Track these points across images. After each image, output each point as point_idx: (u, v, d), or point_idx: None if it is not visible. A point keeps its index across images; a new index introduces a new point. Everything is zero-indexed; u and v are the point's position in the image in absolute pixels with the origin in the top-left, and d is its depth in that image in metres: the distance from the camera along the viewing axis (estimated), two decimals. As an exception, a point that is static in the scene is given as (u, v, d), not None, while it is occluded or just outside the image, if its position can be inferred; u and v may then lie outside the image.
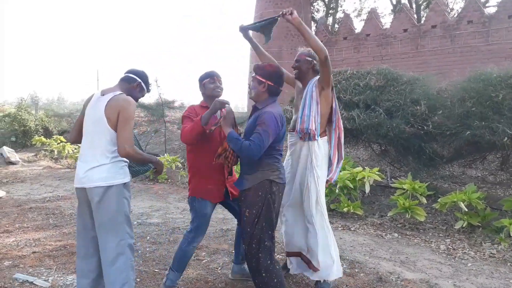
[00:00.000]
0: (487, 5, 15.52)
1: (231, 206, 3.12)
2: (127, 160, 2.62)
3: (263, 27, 3.29)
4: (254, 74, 2.73)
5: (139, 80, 2.71)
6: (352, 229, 4.96)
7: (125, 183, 2.53)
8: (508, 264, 3.78)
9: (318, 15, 21.10)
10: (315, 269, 3.04)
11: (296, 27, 2.98)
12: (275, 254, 2.80)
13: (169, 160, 9.04)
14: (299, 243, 3.18)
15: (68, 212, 5.79)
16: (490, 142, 5.05)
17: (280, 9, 16.27)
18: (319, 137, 3.07)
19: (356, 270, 3.58)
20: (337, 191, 5.51)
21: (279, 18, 3.16)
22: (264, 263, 2.61)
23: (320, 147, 3.08)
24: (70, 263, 3.66)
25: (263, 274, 2.61)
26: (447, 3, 14.09)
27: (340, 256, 3.89)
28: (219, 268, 3.62)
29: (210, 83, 3.02)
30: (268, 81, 2.68)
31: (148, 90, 2.82)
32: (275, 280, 2.63)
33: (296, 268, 3.26)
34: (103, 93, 2.58)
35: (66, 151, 12.61)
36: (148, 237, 4.54)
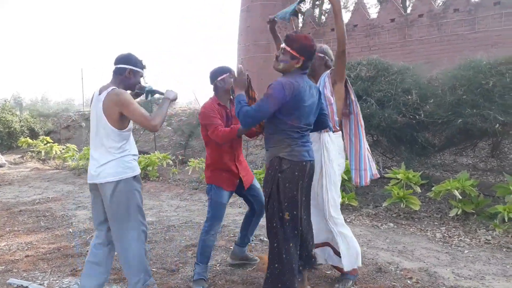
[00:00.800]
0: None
1: (245, 196, 3.34)
2: (136, 154, 2.72)
3: (292, 13, 3.20)
4: (285, 46, 2.53)
5: (128, 66, 2.67)
6: (348, 220, 4.96)
7: (134, 176, 2.64)
8: (504, 249, 3.82)
9: (305, 7, 21.04)
10: (337, 252, 3.01)
11: (334, 10, 2.91)
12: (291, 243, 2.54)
13: (160, 157, 8.95)
14: (322, 235, 3.09)
15: (59, 213, 5.69)
16: (482, 129, 5.09)
17: (266, 2, 16.19)
18: (334, 132, 2.99)
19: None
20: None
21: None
22: (272, 246, 2.55)
23: (333, 142, 2.99)
24: (65, 265, 3.59)
25: (270, 256, 2.55)
26: (433, -8, 14.11)
27: (338, 248, 3.90)
28: (218, 265, 3.58)
29: (230, 77, 3.07)
30: (302, 56, 2.51)
31: (143, 68, 2.78)
32: (279, 266, 2.51)
33: (325, 260, 3.18)
34: (100, 92, 2.62)
35: (54, 152, 12.43)
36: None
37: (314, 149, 2.82)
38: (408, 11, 13.20)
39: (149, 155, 8.95)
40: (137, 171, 2.67)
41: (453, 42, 11.18)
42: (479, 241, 4.06)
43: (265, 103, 2.43)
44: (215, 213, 3.11)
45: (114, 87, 2.58)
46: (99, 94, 2.61)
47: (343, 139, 3.17)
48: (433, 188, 4.99)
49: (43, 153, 12.62)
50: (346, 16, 17.50)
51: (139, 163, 8.61)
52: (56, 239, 4.44)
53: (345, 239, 2.95)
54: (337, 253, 3.03)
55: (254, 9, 16.15)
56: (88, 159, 10.16)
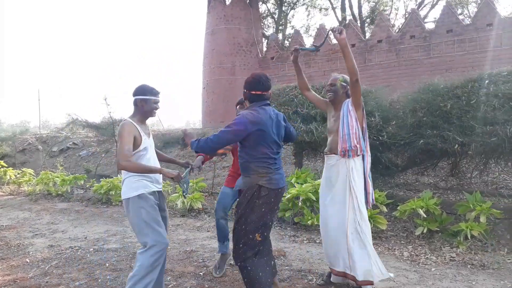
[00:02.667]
0: (425, 20, 16.57)
1: None
2: (144, 174, 2.98)
3: (317, 49, 3.58)
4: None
5: (139, 97, 3.03)
6: (317, 241, 4.95)
7: (139, 195, 2.92)
8: (468, 266, 3.92)
9: (268, 32, 21.51)
10: (367, 283, 3.18)
11: (341, 46, 3.11)
12: (264, 258, 2.93)
13: (124, 181, 8.67)
14: (342, 262, 3.29)
15: (14, 242, 5.34)
16: (442, 150, 5.29)
17: (230, 25, 16.44)
18: (356, 156, 3.23)
19: (325, 283, 3.55)
20: (300, 204, 5.51)
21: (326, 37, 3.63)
22: (238, 262, 2.82)
23: (357, 165, 3.24)
24: (22, 299, 3.35)
25: (241, 271, 2.85)
26: (389, 18, 14.85)
27: (309, 270, 3.89)
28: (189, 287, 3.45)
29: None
30: (245, 89, 2.93)
31: (156, 95, 3.08)
32: (246, 280, 2.81)
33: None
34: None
35: (8, 177, 11.77)
36: (107, 264, 4.27)
37: (340, 172, 3.24)
38: (367, 36, 13.78)
39: (111, 179, 8.65)
40: (141, 190, 2.93)
41: (410, 66, 11.75)
42: (445, 258, 4.16)
43: (226, 134, 2.73)
44: (219, 199, 3.91)
45: (126, 119, 3.01)
46: None
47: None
48: (398, 208, 5.10)
49: (-4, 178, 11.92)
50: (308, 41, 18.05)
51: (101, 187, 8.32)
52: (11, 270, 4.14)
53: (365, 251, 3.17)
54: (351, 279, 3.26)
55: (219, 32, 16.33)
56: (46, 183, 9.71)
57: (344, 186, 3.24)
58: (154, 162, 3.10)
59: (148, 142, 3.05)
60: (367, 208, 3.33)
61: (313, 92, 3.77)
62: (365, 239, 3.20)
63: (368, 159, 3.33)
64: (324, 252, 3.54)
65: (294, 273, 3.84)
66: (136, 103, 3.05)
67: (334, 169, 3.32)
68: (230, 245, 3.51)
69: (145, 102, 3.03)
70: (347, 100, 3.31)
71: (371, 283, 3.17)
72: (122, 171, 2.95)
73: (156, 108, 3.11)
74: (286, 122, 3.08)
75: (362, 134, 3.29)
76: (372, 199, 3.35)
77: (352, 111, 3.22)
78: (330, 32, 3.27)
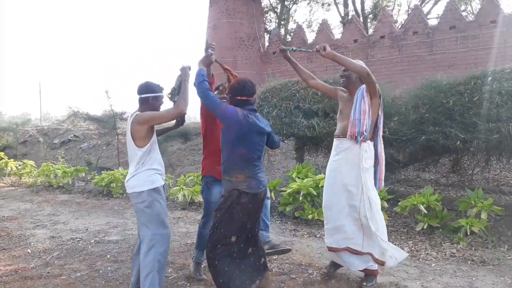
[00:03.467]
0: (428, 16, 16.49)
1: None
2: (157, 168, 3.07)
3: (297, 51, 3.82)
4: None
5: (150, 95, 3.08)
6: (318, 235, 4.97)
7: (154, 188, 2.99)
8: (469, 262, 3.93)
9: (270, 26, 21.44)
10: (381, 263, 3.26)
11: (333, 60, 3.19)
12: (237, 260, 2.90)
13: (124, 174, 8.68)
14: (347, 240, 3.36)
15: (16, 233, 5.36)
16: (444, 146, 5.28)
17: (232, 20, 16.39)
18: (369, 140, 3.28)
19: (327, 277, 3.56)
20: (300, 198, 5.52)
21: (311, 51, 3.56)
22: (212, 265, 2.80)
23: (368, 151, 3.28)
24: (24, 289, 3.36)
25: (213, 273, 2.82)
26: (392, 14, 14.79)
27: (309, 264, 3.90)
28: (188, 285, 3.46)
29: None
30: (229, 94, 3.01)
31: (162, 91, 3.15)
32: (221, 281, 2.78)
33: (346, 263, 3.45)
34: (131, 116, 3.09)
35: (9, 168, 11.78)
36: (108, 256, 4.29)
37: (351, 156, 3.27)
38: (370, 32, 13.73)
39: (112, 172, 8.66)
40: (157, 183, 3.01)
41: (413, 63, 11.72)
42: (445, 254, 4.17)
43: (221, 105, 2.83)
44: (208, 211, 3.45)
45: (138, 112, 3.04)
46: (130, 117, 3.08)
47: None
48: (399, 203, 5.11)
49: (-3, 170, 11.94)
50: (310, 37, 17.98)
51: (102, 179, 8.34)
52: (13, 260, 4.16)
53: (382, 239, 3.23)
54: (356, 253, 3.33)
55: (221, 27, 16.28)
56: (47, 175, 9.73)
57: (356, 170, 3.27)
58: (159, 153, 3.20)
59: (155, 136, 3.16)
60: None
61: (319, 81, 3.77)
62: (379, 222, 3.28)
63: (382, 145, 3.40)
64: (327, 232, 3.53)
65: (295, 267, 3.85)
66: (148, 100, 3.07)
67: (345, 153, 3.35)
68: None
69: (156, 99, 3.10)
70: (362, 86, 3.30)
71: (383, 263, 3.27)
72: (136, 166, 3.01)
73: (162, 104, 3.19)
74: (272, 132, 3.08)
75: (377, 121, 3.33)
76: (381, 185, 3.44)
77: (367, 97, 3.24)
78: (315, 51, 3.27)
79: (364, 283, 3.30)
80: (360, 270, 3.38)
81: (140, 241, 3.11)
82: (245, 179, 2.82)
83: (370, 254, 3.29)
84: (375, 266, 3.32)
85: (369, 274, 3.33)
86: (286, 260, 4.07)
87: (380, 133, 3.38)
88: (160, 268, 2.97)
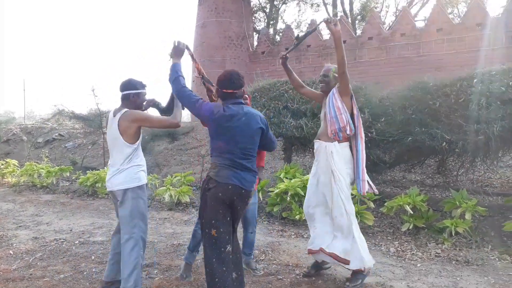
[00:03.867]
0: (416, 18, 16.66)
1: None
2: (142, 164, 3.13)
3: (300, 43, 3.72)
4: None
5: (131, 91, 3.11)
6: (305, 236, 4.97)
7: (139, 186, 3.04)
8: (453, 262, 3.97)
9: (259, 26, 21.43)
10: (345, 262, 3.27)
11: (335, 38, 3.22)
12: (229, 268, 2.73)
13: (111, 173, 8.57)
14: (325, 242, 3.39)
15: (-3, 234, 5.24)
16: (430, 147, 5.32)
17: (221, 19, 16.33)
18: (338, 142, 3.34)
19: (314, 278, 3.56)
20: (288, 199, 5.51)
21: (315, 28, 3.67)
22: (205, 255, 2.73)
23: (339, 152, 3.33)
24: (4, 291, 3.28)
25: (205, 266, 2.73)
26: (380, 16, 14.90)
27: (296, 264, 3.89)
28: (174, 286, 3.42)
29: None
30: (217, 85, 2.91)
31: (144, 88, 3.19)
32: (211, 273, 2.67)
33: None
34: (114, 114, 3.08)
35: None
36: (93, 257, 4.21)
37: (323, 158, 3.35)
38: (359, 33, 13.81)
39: (97, 171, 8.54)
40: (143, 181, 3.08)
41: (400, 64, 11.82)
42: (430, 254, 4.21)
43: (197, 103, 2.80)
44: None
45: (127, 109, 3.05)
46: (114, 116, 3.06)
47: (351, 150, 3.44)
48: (385, 204, 5.14)
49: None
50: (299, 36, 17.98)
51: (87, 179, 8.22)
52: (-7, 262, 4.07)
53: (353, 239, 3.26)
54: (333, 256, 3.32)
55: (210, 26, 16.21)
56: (30, 175, 9.55)
57: (327, 170, 3.34)
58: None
59: (141, 136, 3.19)
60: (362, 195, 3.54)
61: (308, 88, 3.89)
62: (350, 225, 3.31)
63: (363, 144, 3.39)
64: (311, 234, 3.60)
65: (282, 268, 3.84)
66: (129, 97, 3.11)
67: (318, 154, 3.47)
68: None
69: (138, 96, 3.14)
70: (335, 86, 3.43)
71: (361, 271, 3.28)
72: (122, 163, 3.03)
73: (145, 101, 3.23)
74: (267, 128, 2.91)
75: (354, 119, 3.37)
76: (367, 188, 3.40)
77: (337, 94, 3.35)
78: (323, 23, 3.29)
79: (347, 283, 3.34)
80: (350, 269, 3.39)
81: (118, 238, 3.19)
82: (216, 167, 2.75)
83: (334, 254, 3.31)
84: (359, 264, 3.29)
85: (355, 273, 3.33)
86: (274, 260, 4.06)
87: (359, 132, 3.40)
88: (141, 265, 3.08)
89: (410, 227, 4.82)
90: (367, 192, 3.44)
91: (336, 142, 3.33)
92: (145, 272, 3.73)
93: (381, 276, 3.60)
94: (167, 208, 6.75)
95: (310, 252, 3.52)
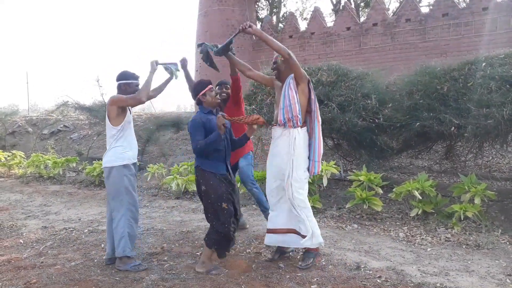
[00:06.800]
0: (421, 4, 16.46)
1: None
2: (129, 146, 3.53)
3: (225, 49, 3.78)
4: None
5: (122, 82, 3.56)
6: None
7: (124, 165, 3.45)
8: (463, 246, 3.96)
9: (262, 14, 21.23)
10: (303, 236, 3.41)
11: (258, 36, 3.40)
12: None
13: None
14: (283, 222, 3.55)
15: (7, 224, 5.28)
16: (438, 132, 5.29)
17: (224, 7, 16.17)
18: (299, 127, 3.42)
19: (324, 263, 3.56)
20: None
21: (237, 35, 3.71)
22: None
23: (300, 136, 3.43)
24: (18, 278, 3.30)
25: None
26: (384, 1, 14.71)
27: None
28: (184, 272, 3.43)
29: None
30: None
31: (136, 79, 3.61)
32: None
33: (283, 242, 3.60)
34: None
35: (-3, 159, 11.59)
36: (102, 245, 4.22)
37: (283, 143, 3.44)
38: (363, 19, 13.65)
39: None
40: (126, 161, 3.46)
41: (405, 50, 11.70)
42: (440, 239, 4.19)
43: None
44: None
45: (114, 95, 3.52)
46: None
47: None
48: (394, 189, 5.12)
49: (-15, 161, 11.74)
50: (303, 25, 17.85)
51: (93, 169, 8.24)
52: (5, 251, 4.09)
53: (309, 221, 3.40)
54: (301, 236, 3.44)
55: (212, 14, 16.07)
56: (37, 166, 9.59)
57: (288, 156, 3.41)
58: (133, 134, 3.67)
59: (130, 116, 3.62)
60: (314, 175, 3.72)
61: (256, 72, 3.92)
62: (304, 208, 3.42)
63: (319, 127, 3.48)
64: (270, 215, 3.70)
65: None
66: (120, 86, 3.55)
67: (278, 141, 3.52)
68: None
69: (128, 85, 3.54)
70: (291, 74, 3.46)
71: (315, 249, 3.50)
72: (109, 144, 3.51)
73: (136, 91, 3.55)
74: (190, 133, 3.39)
75: (310, 105, 3.47)
76: (317, 169, 3.49)
77: (292, 83, 3.42)
78: (241, 32, 3.44)
79: (300, 263, 3.47)
80: (302, 248, 3.56)
81: (109, 214, 3.57)
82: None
83: (295, 230, 3.49)
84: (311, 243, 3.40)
85: (307, 251, 3.49)
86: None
87: (316, 116, 3.47)
88: (130, 234, 3.44)
89: (419, 212, 4.80)
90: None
91: (299, 128, 3.41)
92: (155, 259, 3.74)
93: (391, 261, 3.60)
94: (175, 197, 6.77)
95: (269, 231, 3.62)
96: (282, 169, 3.46)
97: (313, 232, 3.39)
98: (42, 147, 13.73)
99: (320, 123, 3.53)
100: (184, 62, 4.16)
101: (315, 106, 3.50)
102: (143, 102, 3.51)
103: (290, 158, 3.39)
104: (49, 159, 9.63)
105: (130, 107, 3.66)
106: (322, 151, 3.52)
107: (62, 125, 15.77)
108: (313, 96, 3.49)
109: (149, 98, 3.61)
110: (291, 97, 3.40)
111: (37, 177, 9.49)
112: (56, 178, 9.16)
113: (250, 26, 3.31)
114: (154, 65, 3.64)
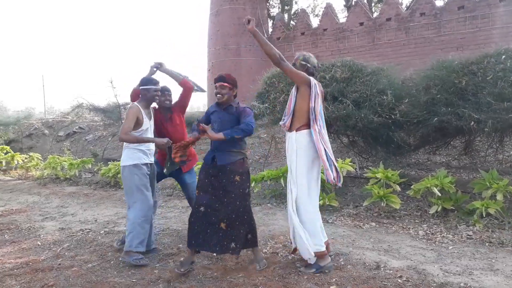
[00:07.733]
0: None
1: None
2: (143, 149, 3.71)
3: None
4: (222, 83, 3.36)
5: (141, 87, 3.74)
6: (329, 221, 4.90)
7: (134, 164, 3.66)
8: (487, 244, 3.84)
9: (274, 11, 21.14)
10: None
11: (252, 35, 3.31)
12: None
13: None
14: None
15: (25, 226, 5.33)
16: (457, 127, 5.16)
17: (235, 5, 16.14)
18: (296, 131, 3.34)
19: (343, 263, 3.49)
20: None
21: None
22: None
23: (298, 139, 3.33)
24: (35, 280, 3.31)
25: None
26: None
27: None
28: (201, 274, 3.40)
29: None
30: (235, 87, 3.43)
31: (155, 84, 3.76)
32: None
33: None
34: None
35: (16, 162, 11.78)
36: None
37: (288, 146, 3.45)
38: (376, 14, 13.46)
39: (119, 162, 8.59)
40: (136, 161, 3.66)
41: (420, 45, 11.49)
42: (461, 237, 4.08)
43: (253, 119, 3.34)
44: None
45: (133, 103, 3.71)
46: None
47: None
48: (412, 186, 5.01)
49: (3, 163, 11.94)
50: (315, 21, 17.71)
51: (109, 170, 8.29)
52: (23, 253, 4.12)
53: (303, 231, 3.29)
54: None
55: (224, 13, 16.06)
56: (54, 167, 9.70)
57: (290, 160, 3.40)
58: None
59: (148, 124, 3.75)
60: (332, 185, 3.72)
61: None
62: (303, 215, 3.31)
63: (324, 135, 3.29)
64: None
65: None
66: (140, 92, 3.75)
67: (287, 143, 3.52)
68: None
69: (147, 91, 3.71)
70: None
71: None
72: (124, 143, 3.69)
73: (157, 95, 3.78)
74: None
75: (313, 110, 3.26)
76: (329, 178, 3.23)
77: (294, 88, 3.41)
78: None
79: (301, 267, 3.35)
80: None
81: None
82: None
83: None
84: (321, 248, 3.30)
85: (318, 257, 3.30)
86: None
87: (319, 122, 3.26)
88: (140, 230, 3.58)
89: (439, 210, 4.69)
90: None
91: (303, 131, 3.30)
92: (172, 260, 3.72)
93: (412, 260, 3.51)
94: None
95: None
96: (289, 173, 3.47)
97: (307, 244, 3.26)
98: (58, 149, 13.90)
99: (320, 128, 3.26)
100: (156, 66, 4.12)
101: (315, 112, 3.25)
102: (119, 139, 3.70)
103: (289, 163, 3.41)
104: (65, 161, 9.74)
105: (152, 115, 3.85)
106: (325, 158, 3.21)
107: (77, 127, 15.95)
108: (312, 104, 3.26)
109: (123, 139, 3.63)
110: (289, 101, 3.44)
111: (54, 178, 9.60)
112: (72, 179, 9.26)
113: (248, 22, 3.24)
114: (153, 70, 3.91)
